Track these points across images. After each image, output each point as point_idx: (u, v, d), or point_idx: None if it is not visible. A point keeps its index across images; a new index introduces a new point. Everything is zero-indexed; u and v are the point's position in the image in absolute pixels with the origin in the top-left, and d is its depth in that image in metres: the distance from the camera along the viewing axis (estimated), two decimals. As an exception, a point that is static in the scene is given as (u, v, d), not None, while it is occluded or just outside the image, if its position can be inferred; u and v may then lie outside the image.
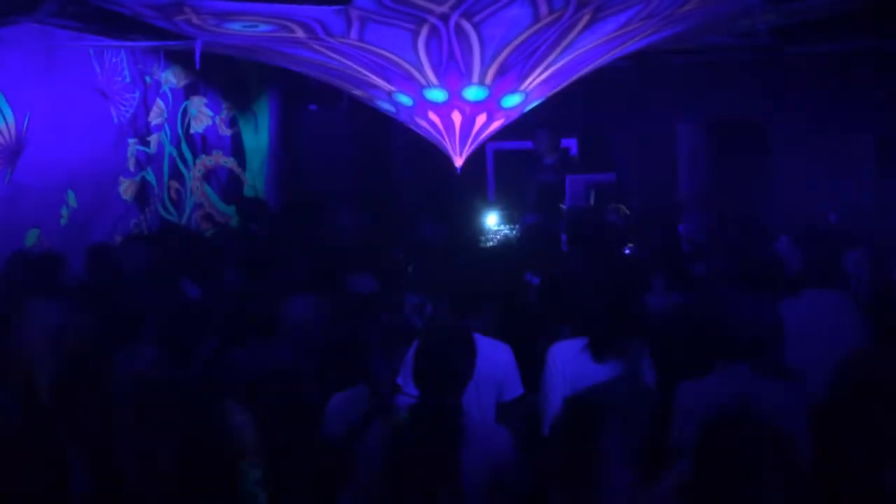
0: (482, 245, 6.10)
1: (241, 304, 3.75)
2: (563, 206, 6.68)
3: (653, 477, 2.15)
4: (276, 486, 2.43)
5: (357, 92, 5.67)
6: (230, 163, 7.19)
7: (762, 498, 1.73)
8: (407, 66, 4.75)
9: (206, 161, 6.88)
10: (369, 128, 8.03)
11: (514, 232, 6.36)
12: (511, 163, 8.22)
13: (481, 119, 5.18)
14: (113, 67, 5.76)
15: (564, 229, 5.63)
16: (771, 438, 1.77)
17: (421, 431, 2.37)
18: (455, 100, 5.00)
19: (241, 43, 4.84)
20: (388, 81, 5.05)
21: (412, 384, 3.28)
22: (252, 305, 3.65)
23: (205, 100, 6.84)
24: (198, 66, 4.71)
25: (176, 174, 6.51)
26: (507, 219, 6.70)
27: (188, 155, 6.67)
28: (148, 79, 6.13)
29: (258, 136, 7.54)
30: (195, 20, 4.17)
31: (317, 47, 4.68)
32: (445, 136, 5.28)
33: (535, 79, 4.94)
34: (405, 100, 5.23)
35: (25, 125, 4.96)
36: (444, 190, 7.48)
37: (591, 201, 6.82)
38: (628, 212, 6.32)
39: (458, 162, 5.39)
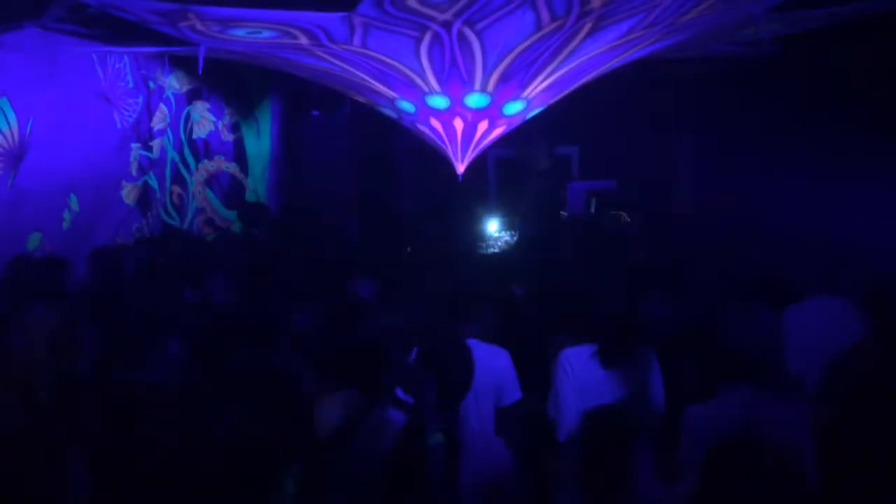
0: (482, 251, 6.11)
1: (243, 309, 3.76)
2: (564, 213, 6.69)
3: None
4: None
5: (360, 98, 5.68)
6: (232, 168, 7.21)
7: None
8: (409, 72, 4.76)
9: (208, 166, 6.90)
10: (371, 134, 8.05)
11: (513, 238, 6.38)
12: (513, 170, 8.24)
13: (483, 126, 5.19)
14: (116, 72, 5.78)
15: (567, 236, 5.64)
16: (775, 464, 1.79)
17: (418, 441, 2.37)
18: (457, 107, 5.01)
19: (244, 49, 4.85)
20: (391, 88, 5.06)
21: (410, 391, 3.29)
22: (254, 310, 3.67)
23: (207, 105, 6.87)
24: (200, 72, 4.73)
25: (178, 179, 6.53)
26: (508, 225, 6.71)
27: (190, 160, 6.69)
28: (151, 84, 6.16)
29: (260, 142, 7.56)
30: (199, 26, 4.18)
31: (320, 54, 4.70)
32: (447, 143, 5.30)
33: (537, 86, 4.95)
34: (407, 106, 5.24)
35: (28, 129, 4.98)
36: (446, 196, 7.49)
37: (592, 208, 6.84)
38: (628, 219, 6.33)
39: (460, 168, 5.40)
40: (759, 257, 4.64)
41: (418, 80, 4.84)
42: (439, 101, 5.01)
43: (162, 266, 4.61)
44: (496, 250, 6.11)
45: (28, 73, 4.98)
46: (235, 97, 7.19)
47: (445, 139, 5.28)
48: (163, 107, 6.30)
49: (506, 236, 6.59)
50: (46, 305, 3.79)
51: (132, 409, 2.48)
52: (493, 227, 6.82)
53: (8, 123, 4.85)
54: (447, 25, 4.12)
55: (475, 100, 4.94)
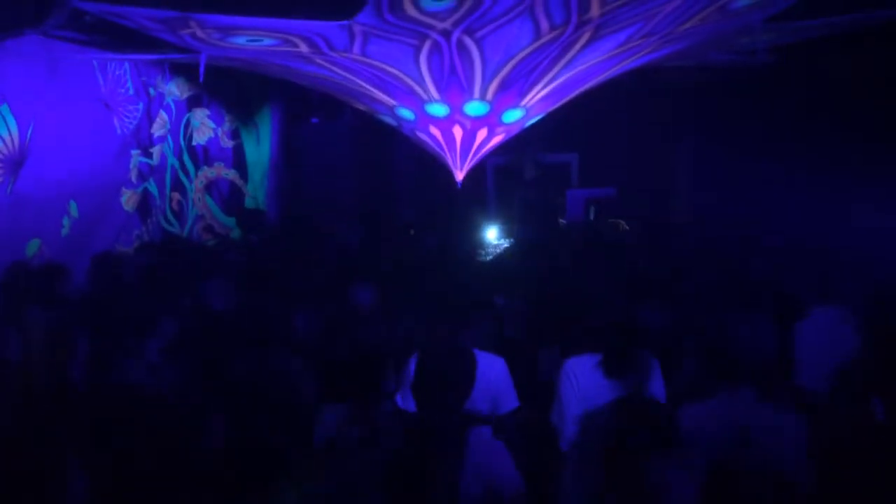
0: (481, 258, 6.11)
1: (243, 315, 3.77)
2: (563, 221, 6.70)
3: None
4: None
5: (359, 106, 5.70)
6: (232, 174, 7.22)
7: None
8: (409, 80, 4.78)
9: (207, 173, 6.91)
10: (370, 141, 8.07)
11: (509, 245, 6.38)
12: (512, 178, 8.25)
13: (482, 134, 5.21)
14: (116, 79, 5.80)
15: (566, 244, 5.65)
16: (770, 476, 1.78)
17: (421, 445, 2.38)
18: (456, 114, 5.03)
19: (245, 56, 4.87)
20: (391, 96, 5.08)
21: (410, 398, 3.29)
22: (253, 316, 3.67)
23: (207, 112, 6.88)
24: (202, 79, 4.74)
25: (178, 186, 6.54)
26: (506, 233, 6.73)
27: (190, 166, 6.70)
28: (152, 91, 6.17)
29: (260, 148, 7.57)
30: (200, 34, 4.20)
31: (320, 61, 4.71)
32: (446, 151, 5.31)
33: (536, 95, 4.97)
34: (407, 114, 5.26)
35: (29, 136, 4.99)
36: (445, 204, 7.51)
37: (591, 216, 6.85)
38: (627, 227, 6.34)
39: (459, 176, 5.42)
40: (758, 266, 4.65)
41: (418, 88, 4.86)
42: (439, 109, 5.03)
43: (162, 272, 4.62)
44: (493, 257, 6.12)
45: (28, 79, 4.99)
46: (235, 104, 7.21)
47: (445, 147, 5.29)
48: (163, 113, 6.31)
49: (504, 243, 6.60)
50: (44, 311, 3.80)
51: (128, 413, 2.48)
52: (491, 234, 6.83)
53: (8, 130, 4.86)
54: (446, 34, 4.14)
55: (474, 108, 4.96)
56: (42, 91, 5.09)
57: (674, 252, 5.55)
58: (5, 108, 4.85)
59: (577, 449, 2.84)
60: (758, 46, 4.74)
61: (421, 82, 4.75)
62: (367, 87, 5.04)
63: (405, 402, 3.31)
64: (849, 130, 7.02)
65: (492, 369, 3.12)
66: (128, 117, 5.92)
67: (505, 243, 6.59)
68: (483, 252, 6.42)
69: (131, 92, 5.95)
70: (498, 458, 2.49)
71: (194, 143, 6.74)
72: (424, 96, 4.92)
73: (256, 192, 7.54)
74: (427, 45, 4.31)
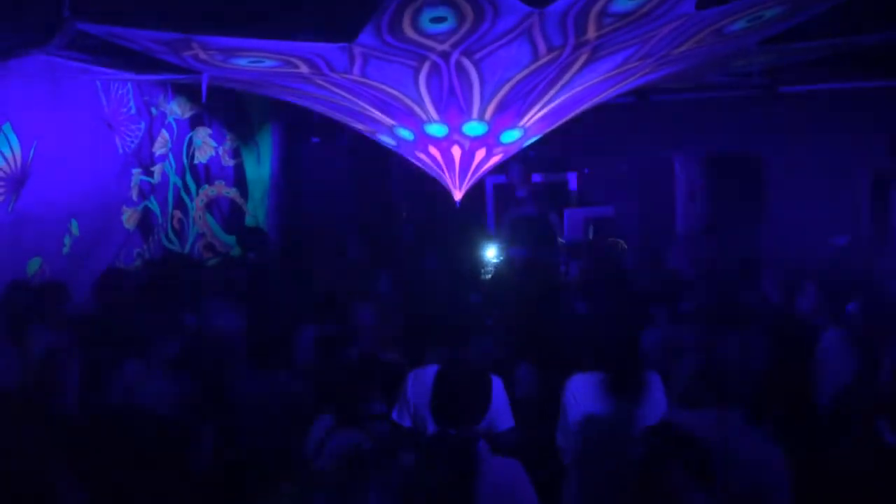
0: (480, 277, 6.14)
1: (244, 333, 3.79)
2: (562, 240, 6.73)
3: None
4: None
5: (359, 126, 5.75)
6: (232, 193, 7.27)
7: None
8: (408, 101, 4.82)
9: (208, 191, 6.96)
10: (370, 160, 8.12)
11: (503, 265, 6.39)
12: (511, 197, 8.29)
13: (480, 154, 5.25)
14: (119, 99, 5.85)
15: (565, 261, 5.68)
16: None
17: (437, 463, 2.39)
18: (455, 135, 5.07)
19: (246, 77, 4.92)
20: (390, 116, 5.13)
21: (406, 414, 3.31)
22: (256, 334, 3.70)
23: (209, 131, 6.94)
24: (204, 100, 4.79)
25: (180, 204, 6.58)
26: (503, 251, 6.75)
27: (192, 185, 6.75)
28: (154, 110, 6.23)
29: (260, 167, 7.62)
30: (202, 55, 4.25)
31: (320, 82, 4.77)
32: (445, 170, 5.35)
33: (534, 115, 5.02)
34: (406, 134, 5.31)
35: (31, 155, 5.03)
36: (444, 223, 7.54)
37: (590, 235, 6.89)
38: (626, 246, 6.36)
39: (458, 196, 5.45)
40: (758, 286, 4.67)
41: (417, 109, 4.91)
42: (438, 130, 5.07)
43: (163, 290, 4.66)
44: (489, 276, 6.14)
45: (31, 99, 5.05)
46: (236, 123, 7.27)
47: (443, 166, 5.33)
48: (164, 132, 6.37)
49: (500, 262, 6.62)
50: (43, 330, 3.82)
51: (125, 432, 2.50)
52: (491, 253, 6.86)
53: (11, 149, 4.90)
54: (445, 56, 4.19)
55: (473, 128, 5.00)
56: (45, 110, 5.14)
57: (673, 271, 5.57)
58: (8, 127, 4.90)
59: (578, 462, 2.86)
60: (753, 69, 4.80)
61: (420, 103, 4.80)
62: (367, 107, 5.09)
63: (401, 417, 3.33)
64: (846, 147, 7.08)
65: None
66: (129, 136, 5.97)
67: (501, 261, 6.61)
68: (483, 271, 6.44)
69: (133, 111, 6.01)
70: (514, 476, 2.49)
71: (196, 161, 6.79)
72: (423, 117, 4.96)
73: (257, 210, 7.58)
74: (426, 67, 4.36)
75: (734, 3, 3.81)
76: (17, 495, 2.20)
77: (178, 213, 6.55)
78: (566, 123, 5.55)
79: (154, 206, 6.25)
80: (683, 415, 2.41)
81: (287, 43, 4.05)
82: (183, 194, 6.63)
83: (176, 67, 4.65)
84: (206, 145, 6.93)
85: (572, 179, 8.31)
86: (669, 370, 3.33)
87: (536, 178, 7.81)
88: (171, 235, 6.48)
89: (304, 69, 4.50)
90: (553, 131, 5.58)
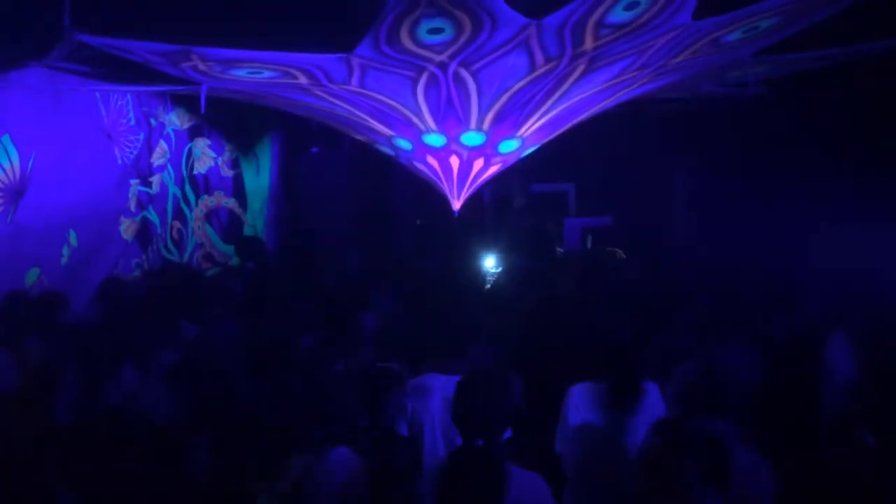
0: (480, 287, 6.13)
1: (249, 343, 3.79)
2: (560, 250, 6.73)
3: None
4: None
5: (357, 136, 5.77)
6: (231, 203, 7.28)
7: None
8: (406, 111, 4.85)
9: (207, 201, 6.97)
10: (370, 170, 8.14)
11: (500, 275, 6.39)
12: (509, 207, 8.30)
13: (479, 164, 5.27)
14: (118, 110, 5.87)
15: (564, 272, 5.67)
16: None
17: (466, 476, 2.38)
18: (453, 145, 5.09)
19: (245, 88, 4.94)
20: (388, 126, 5.15)
21: (404, 426, 3.30)
22: (260, 343, 3.69)
23: (208, 141, 6.96)
24: (203, 110, 4.81)
25: (179, 214, 6.59)
26: (502, 261, 6.75)
27: (191, 195, 6.76)
28: (152, 121, 6.25)
29: (259, 178, 7.64)
30: (201, 67, 4.27)
31: (319, 93, 4.79)
32: (443, 180, 5.37)
33: (532, 125, 5.04)
34: (405, 144, 5.33)
35: (30, 166, 5.04)
36: (444, 232, 7.55)
37: (588, 244, 6.89)
38: (624, 255, 6.37)
39: (456, 205, 5.47)
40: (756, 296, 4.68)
41: (415, 119, 4.93)
42: (436, 140, 5.09)
43: (162, 299, 4.66)
44: (488, 286, 6.14)
45: (30, 110, 5.06)
46: (236, 134, 7.29)
47: (442, 176, 5.35)
48: (163, 143, 6.38)
49: (500, 271, 6.62)
50: (42, 340, 3.82)
51: (121, 442, 2.50)
52: (490, 262, 6.86)
53: (9, 160, 4.91)
54: (443, 66, 4.21)
55: (471, 138, 5.02)
56: (44, 122, 5.16)
57: (672, 281, 5.57)
58: (7, 139, 4.91)
59: (577, 471, 2.86)
60: (749, 79, 4.83)
61: (418, 113, 4.82)
62: (366, 117, 5.11)
63: (398, 426, 3.32)
64: (840, 157, 7.10)
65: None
66: (129, 147, 5.98)
67: (500, 271, 6.61)
68: (483, 280, 6.44)
69: (133, 122, 6.03)
70: (537, 489, 2.48)
71: (195, 172, 6.81)
72: (422, 127, 4.98)
73: (255, 220, 7.59)
74: (424, 78, 4.38)
75: (730, 14, 3.83)
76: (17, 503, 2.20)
77: (177, 224, 6.56)
78: (564, 133, 5.57)
79: (153, 216, 6.26)
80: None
81: (286, 54, 4.07)
82: (182, 205, 6.64)
83: (175, 78, 4.67)
84: (206, 156, 6.95)
85: (570, 190, 8.33)
86: (667, 380, 3.33)
87: (535, 188, 7.84)
88: (170, 246, 6.49)
89: (302, 80, 4.52)
90: (551, 141, 5.60)
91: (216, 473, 2.39)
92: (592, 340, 3.42)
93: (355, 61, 4.16)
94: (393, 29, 3.71)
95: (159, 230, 6.33)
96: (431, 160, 5.29)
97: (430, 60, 4.14)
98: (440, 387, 3.28)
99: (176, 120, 6.52)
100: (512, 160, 5.52)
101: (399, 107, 4.79)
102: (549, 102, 4.81)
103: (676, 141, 7.74)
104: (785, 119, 7.27)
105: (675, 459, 2.06)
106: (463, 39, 3.86)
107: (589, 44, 4.03)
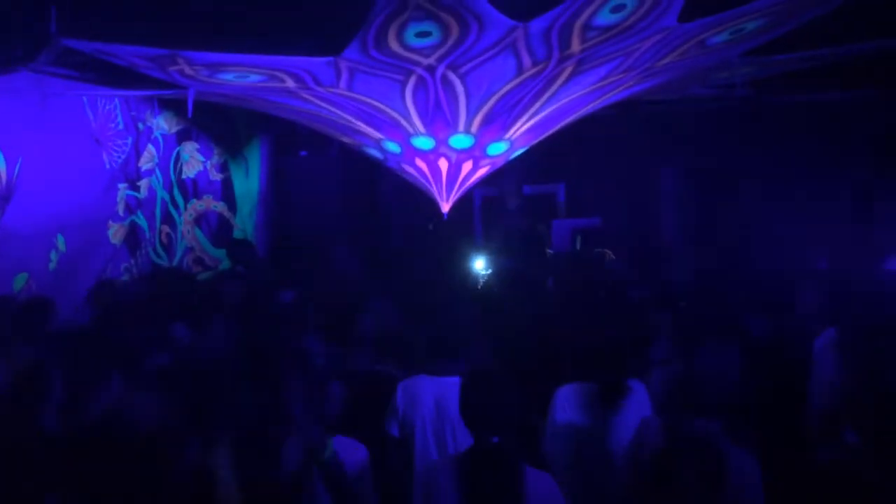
0: (471, 288, 6.14)
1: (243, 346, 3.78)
2: (550, 251, 6.75)
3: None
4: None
5: (346, 139, 5.77)
6: (220, 207, 7.26)
7: None
8: (395, 114, 4.85)
9: (196, 205, 6.95)
10: (359, 173, 8.14)
11: (490, 277, 6.40)
12: (500, 208, 8.31)
13: (467, 166, 5.28)
14: (106, 114, 5.85)
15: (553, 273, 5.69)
16: None
17: (483, 475, 2.39)
18: (442, 147, 5.10)
19: (232, 92, 4.94)
20: (377, 129, 5.16)
21: (395, 425, 3.31)
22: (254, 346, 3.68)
23: (197, 145, 6.94)
24: (190, 115, 4.80)
25: (167, 218, 6.57)
26: (491, 263, 6.77)
27: (179, 199, 6.74)
28: (140, 125, 6.23)
29: (249, 181, 7.63)
30: (188, 71, 4.27)
31: (307, 96, 4.78)
32: (432, 183, 5.37)
33: (520, 127, 5.06)
34: (393, 147, 5.33)
35: (17, 171, 5.01)
36: (433, 235, 7.56)
37: (578, 246, 6.92)
38: (613, 256, 6.40)
39: (445, 208, 5.48)
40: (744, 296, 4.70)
41: (404, 122, 4.93)
42: (424, 142, 5.10)
43: (154, 304, 4.64)
44: (480, 287, 6.15)
45: (17, 115, 5.03)
46: (224, 137, 7.28)
47: (431, 179, 5.36)
48: (151, 147, 6.36)
49: (489, 273, 6.63)
50: (30, 346, 3.79)
51: (106, 446, 2.49)
52: (479, 264, 6.87)
53: (-4, 165, 4.89)
54: (431, 69, 4.22)
55: (459, 141, 5.03)
56: (31, 126, 5.13)
57: (660, 278, 5.59)
58: (-7, 144, 4.89)
59: (564, 472, 2.87)
60: (736, 80, 4.86)
61: (407, 116, 4.83)
62: (354, 120, 5.11)
63: (390, 427, 3.33)
64: (827, 157, 7.16)
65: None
66: (117, 151, 5.96)
67: (490, 273, 6.62)
68: (474, 282, 6.45)
69: (121, 126, 6.00)
70: (551, 490, 2.48)
71: (184, 176, 6.79)
72: (410, 130, 4.99)
73: (245, 224, 7.57)
74: (412, 81, 4.39)
75: (716, 16, 3.86)
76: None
77: (165, 228, 6.54)
78: (553, 135, 5.59)
79: (141, 220, 6.24)
80: (655, 419, 2.43)
81: (273, 57, 4.07)
82: (171, 209, 6.62)
83: (162, 82, 4.66)
84: (194, 160, 6.93)
85: (560, 191, 8.36)
86: (654, 379, 3.35)
87: (525, 189, 7.86)
88: (160, 250, 6.47)
89: (290, 84, 4.52)
90: (540, 143, 5.62)
91: (206, 478, 2.38)
92: (579, 341, 3.42)
93: (343, 64, 4.16)
94: (381, 32, 3.72)
95: (148, 234, 6.30)
96: (420, 163, 5.30)
97: (418, 63, 4.15)
98: (431, 389, 3.28)
99: (164, 124, 6.51)
100: (500, 162, 5.54)
101: (387, 110, 4.80)
102: (537, 105, 4.83)
103: (665, 142, 7.78)
104: (772, 120, 7.33)
105: (672, 461, 2.08)
106: (450, 42, 3.87)
107: (576, 46, 4.05)
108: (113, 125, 5.92)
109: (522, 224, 6.86)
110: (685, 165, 7.83)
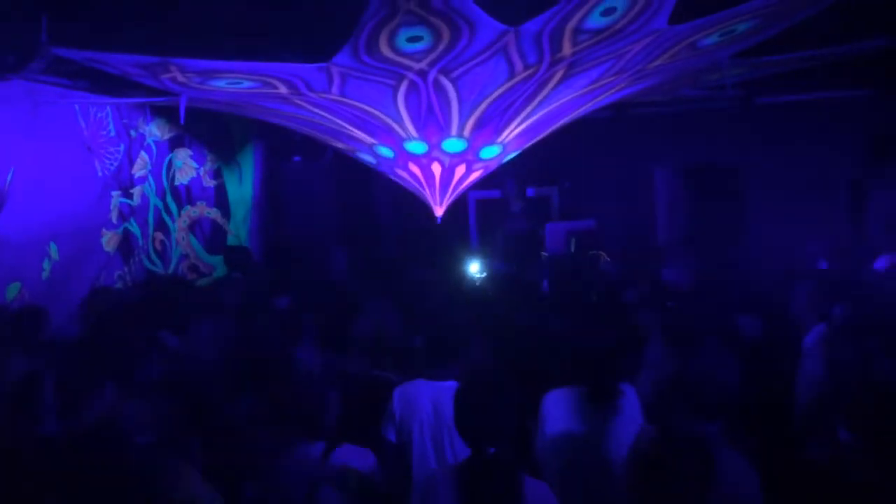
0: (466, 292, 6.14)
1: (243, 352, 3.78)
2: (545, 254, 6.76)
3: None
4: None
5: (339, 144, 5.77)
6: (214, 213, 7.25)
7: None
8: (387, 119, 4.85)
9: (190, 212, 6.94)
10: (353, 178, 8.14)
11: (486, 280, 6.41)
12: (494, 211, 8.33)
13: (460, 170, 5.28)
14: (98, 122, 5.84)
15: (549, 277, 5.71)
16: None
17: (483, 483, 2.38)
18: (435, 151, 5.11)
19: (225, 98, 4.94)
20: (370, 134, 5.16)
21: (391, 429, 3.30)
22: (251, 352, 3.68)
23: (190, 152, 6.94)
24: (182, 122, 4.80)
25: (161, 225, 6.56)
26: (486, 266, 6.78)
27: (173, 206, 6.73)
28: (133, 132, 6.22)
29: (242, 187, 7.62)
30: (180, 78, 4.26)
31: (299, 102, 4.78)
32: (426, 187, 5.38)
33: (513, 131, 5.06)
34: (386, 152, 5.33)
35: (9, 180, 5.00)
36: (428, 239, 7.55)
37: (572, 248, 6.92)
38: (608, 259, 6.41)
39: (439, 212, 5.48)
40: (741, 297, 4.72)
41: (396, 127, 4.94)
42: (417, 147, 5.11)
43: (148, 311, 4.64)
44: (474, 290, 6.16)
45: (9, 123, 5.02)
46: (217, 144, 7.27)
47: (424, 183, 5.36)
48: (144, 154, 6.35)
49: (484, 276, 6.64)
50: (24, 355, 3.78)
51: (100, 454, 2.49)
52: (474, 268, 6.88)
53: (-12, 174, 4.87)
54: (423, 74, 4.22)
55: (452, 145, 5.04)
56: (23, 134, 5.12)
57: (651, 282, 5.60)
58: (-15, 153, 4.87)
59: (555, 477, 2.87)
60: (727, 82, 4.88)
61: (399, 121, 4.83)
62: (347, 125, 5.11)
63: (386, 432, 3.33)
64: (821, 156, 7.19)
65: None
66: (109, 159, 5.95)
67: (485, 276, 6.63)
68: (469, 285, 6.46)
69: (113, 134, 5.99)
70: (548, 500, 2.48)
71: (177, 182, 6.78)
72: (403, 134, 4.99)
73: (239, 230, 7.57)
74: (404, 85, 4.39)
75: (706, 18, 3.87)
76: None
77: (159, 235, 6.53)
78: (546, 138, 5.60)
79: (134, 228, 6.23)
80: (650, 428, 2.42)
81: (265, 64, 4.07)
82: (164, 216, 6.61)
83: (154, 90, 4.65)
84: (187, 166, 6.92)
85: (553, 194, 8.38)
86: (646, 382, 3.35)
87: (530, 192, 7.88)
88: (154, 257, 6.45)
89: (282, 90, 4.52)
90: (533, 146, 5.63)
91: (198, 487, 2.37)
92: (572, 343, 3.42)
93: (335, 70, 4.16)
94: (372, 37, 3.72)
95: (141, 242, 6.29)
96: (413, 167, 5.30)
97: (409, 68, 4.16)
98: (428, 393, 3.28)
99: (156, 131, 6.50)
100: (494, 166, 5.54)
101: (380, 115, 4.80)
102: (530, 108, 4.84)
103: (658, 143, 7.81)
104: (765, 121, 7.36)
105: (667, 463, 2.08)
106: (442, 47, 3.88)
107: (567, 49, 4.06)
108: (104, 133, 5.91)
109: (523, 227, 6.88)
110: (678, 166, 7.85)
